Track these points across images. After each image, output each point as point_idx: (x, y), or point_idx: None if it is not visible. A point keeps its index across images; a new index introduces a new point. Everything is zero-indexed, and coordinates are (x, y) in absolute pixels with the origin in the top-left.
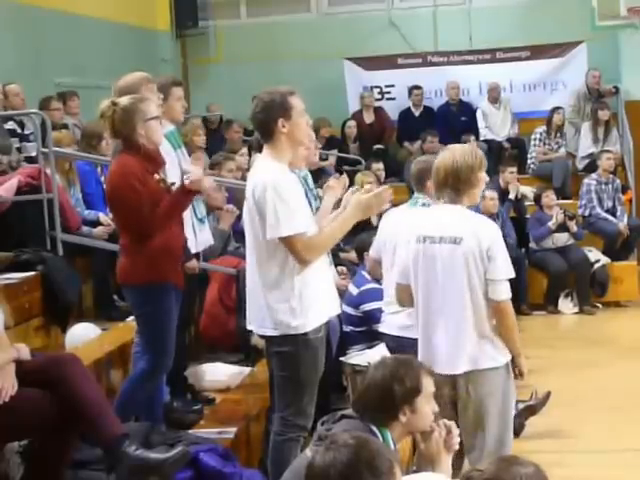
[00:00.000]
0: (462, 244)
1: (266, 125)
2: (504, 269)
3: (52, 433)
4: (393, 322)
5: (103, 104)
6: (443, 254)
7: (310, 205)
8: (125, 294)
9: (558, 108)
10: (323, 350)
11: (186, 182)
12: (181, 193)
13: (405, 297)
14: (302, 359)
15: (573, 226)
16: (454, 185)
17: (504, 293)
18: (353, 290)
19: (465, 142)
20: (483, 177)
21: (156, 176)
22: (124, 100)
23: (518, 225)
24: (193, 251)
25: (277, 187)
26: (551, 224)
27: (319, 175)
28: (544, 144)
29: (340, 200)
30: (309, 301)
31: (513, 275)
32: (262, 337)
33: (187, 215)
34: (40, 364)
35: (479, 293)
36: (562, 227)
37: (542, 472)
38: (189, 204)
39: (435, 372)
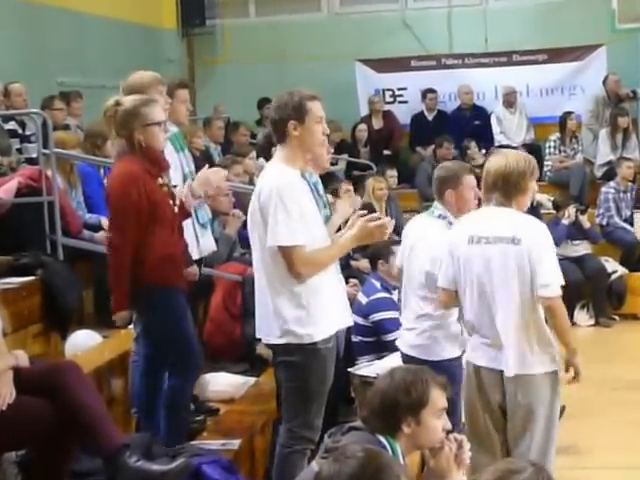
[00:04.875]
0: (521, 244)
1: (278, 125)
2: (557, 269)
3: (51, 442)
4: (405, 338)
5: (108, 102)
6: (499, 254)
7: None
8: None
9: (570, 113)
10: (332, 361)
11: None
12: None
13: (451, 301)
14: (310, 370)
15: (585, 221)
16: (503, 189)
17: (555, 291)
18: (362, 299)
19: (466, 147)
20: (533, 186)
21: (159, 180)
22: (128, 101)
23: None
24: (195, 257)
25: (283, 194)
26: (564, 220)
27: (329, 180)
28: (559, 151)
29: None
30: (318, 310)
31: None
32: (268, 346)
33: (188, 220)
34: (39, 372)
35: (532, 294)
36: (579, 232)
37: (543, 470)
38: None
39: (486, 370)
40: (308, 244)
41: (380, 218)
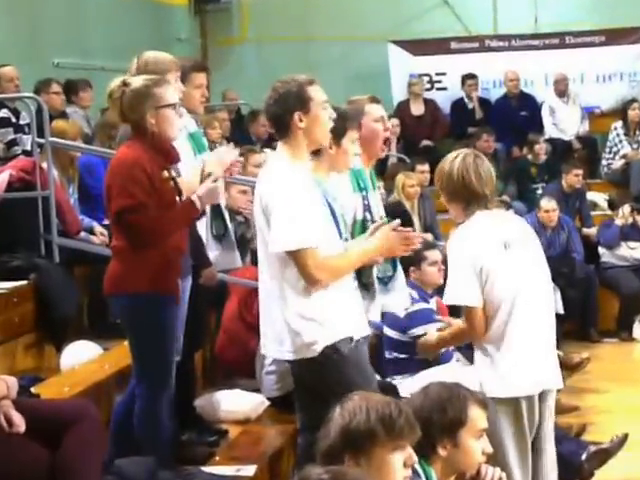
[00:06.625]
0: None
1: (281, 119)
2: None
3: None
4: None
5: (113, 83)
6: (529, 258)
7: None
8: (116, 307)
9: (633, 101)
10: (363, 359)
11: (198, 193)
12: (189, 205)
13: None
14: (336, 373)
15: None
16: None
17: None
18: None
19: (533, 142)
20: None
21: (165, 173)
22: (136, 81)
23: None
24: None
25: (288, 193)
26: (617, 220)
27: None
28: (622, 143)
29: None
30: (333, 318)
31: None
32: (288, 362)
33: (202, 232)
34: (51, 414)
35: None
36: (636, 233)
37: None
38: (198, 216)
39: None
40: (321, 246)
41: (406, 227)
